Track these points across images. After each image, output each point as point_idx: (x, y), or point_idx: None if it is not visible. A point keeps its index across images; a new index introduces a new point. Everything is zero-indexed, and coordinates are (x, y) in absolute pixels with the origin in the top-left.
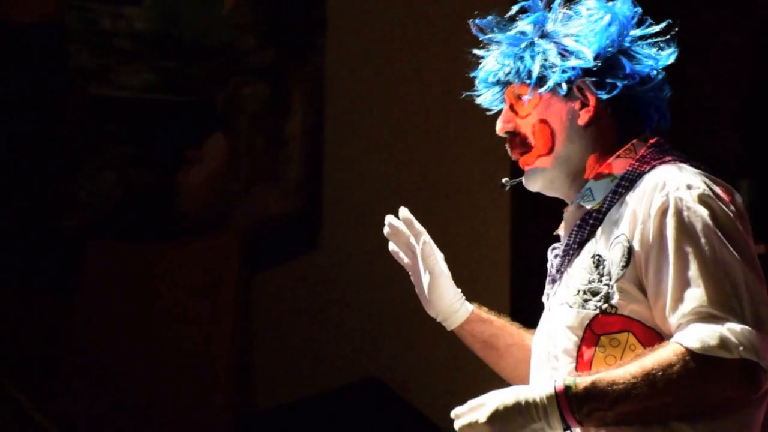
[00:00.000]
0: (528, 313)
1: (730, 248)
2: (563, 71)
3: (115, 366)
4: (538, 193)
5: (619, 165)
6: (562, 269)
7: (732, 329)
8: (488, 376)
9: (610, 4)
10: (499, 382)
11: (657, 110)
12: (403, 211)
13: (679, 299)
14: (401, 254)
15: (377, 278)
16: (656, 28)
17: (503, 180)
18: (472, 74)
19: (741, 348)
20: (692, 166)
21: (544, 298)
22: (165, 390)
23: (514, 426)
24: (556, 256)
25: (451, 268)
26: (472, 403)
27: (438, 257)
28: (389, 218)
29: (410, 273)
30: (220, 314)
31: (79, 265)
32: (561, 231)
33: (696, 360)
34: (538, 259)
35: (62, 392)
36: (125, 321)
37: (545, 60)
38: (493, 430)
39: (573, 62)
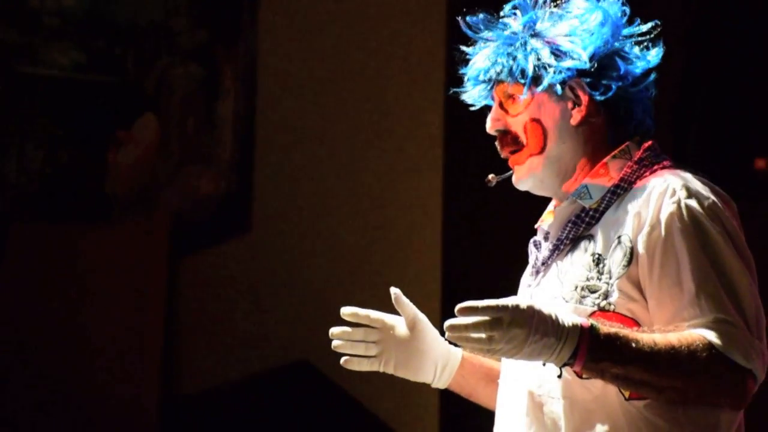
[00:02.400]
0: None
1: (738, 259)
2: (559, 71)
3: (40, 350)
4: (467, 164)
5: (615, 166)
6: (550, 262)
7: (749, 340)
8: None
9: (601, 3)
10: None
11: (644, 110)
12: (347, 310)
13: (697, 305)
14: (362, 350)
15: (309, 260)
16: (644, 27)
17: (489, 176)
18: (461, 71)
19: (755, 361)
20: (690, 172)
21: (522, 288)
22: (90, 375)
23: (536, 330)
24: (537, 247)
25: (383, 255)
26: (510, 301)
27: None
28: (334, 330)
29: (381, 361)
30: (150, 297)
31: (4, 246)
32: (543, 225)
33: (717, 355)
34: (472, 236)
35: None
36: (51, 304)
37: (539, 60)
38: (524, 331)
39: (568, 63)
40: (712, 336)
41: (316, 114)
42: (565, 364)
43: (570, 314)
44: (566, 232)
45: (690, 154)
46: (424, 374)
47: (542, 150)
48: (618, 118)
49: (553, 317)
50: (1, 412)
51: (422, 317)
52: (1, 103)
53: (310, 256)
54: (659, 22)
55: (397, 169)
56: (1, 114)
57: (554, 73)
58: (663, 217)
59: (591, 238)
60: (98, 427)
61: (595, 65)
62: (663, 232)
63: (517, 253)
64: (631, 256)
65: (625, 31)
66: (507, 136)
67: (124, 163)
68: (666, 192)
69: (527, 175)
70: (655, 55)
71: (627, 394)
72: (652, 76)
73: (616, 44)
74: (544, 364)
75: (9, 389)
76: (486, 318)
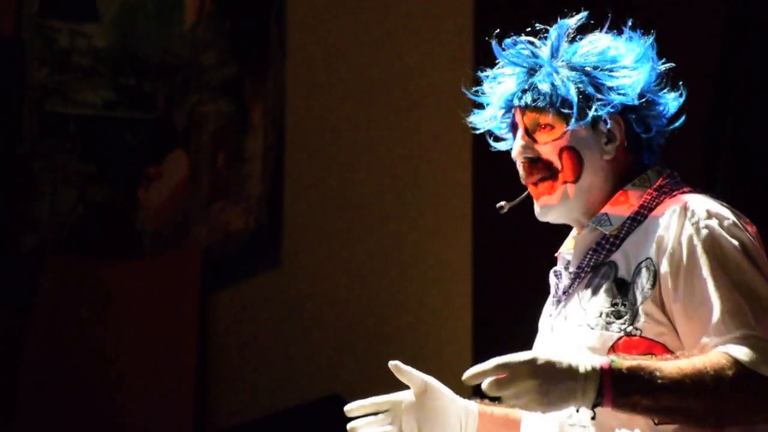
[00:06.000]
0: (491, 327)
1: (760, 276)
2: (606, 105)
3: (73, 385)
4: (496, 193)
5: (635, 194)
6: (571, 291)
7: None
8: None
9: (635, 40)
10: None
11: (659, 144)
12: (351, 407)
13: (722, 323)
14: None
15: (338, 295)
16: (665, 67)
17: (500, 203)
18: (482, 95)
19: None
20: (709, 196)
21: (544, 319)
22: (125, 409)
23: (555, 381)
24: (558, 276)
25: (412, 290)
26: (517, 356)
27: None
28: (350, 425)
29: None
30: (181, 332)
31: (38, 282)
32: (565, 253)
33: (745, 372)
34: (501, 272)
35: (20, 411)
36: (84, 339)
37: (582, 91)
38: (536, 382)
39: (616, 97)
40: (737, 352)
41: (345, 148)
42: (595, 405)
43: (585, 356)
44: (587, 259)
45: (721, 181)
46: (451, 430)
47: (577, 178)
48: (641, 153)
49: (571, 364)
50: None
51: (430, 379)
52: (33, 142)
53: (340, 290)
54: (674, 65)
55: (427, 200)
56: (33, 153)
57: (602, 106)
58: (684, 239)
59: (612, 264)
60: None
61: (644, 102)
62: (685, 254)
63: (547, 271)
64: (655, 279)
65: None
66: (538, 163)
67: (154, 200)
68: (686, 214)
69: (558, 202)
70: (676, 96)
71: (657, 419)
72: (683, 117)
73: (654, 84)
74: (577, 410)
75: (42, 425)
76: (493, 378)
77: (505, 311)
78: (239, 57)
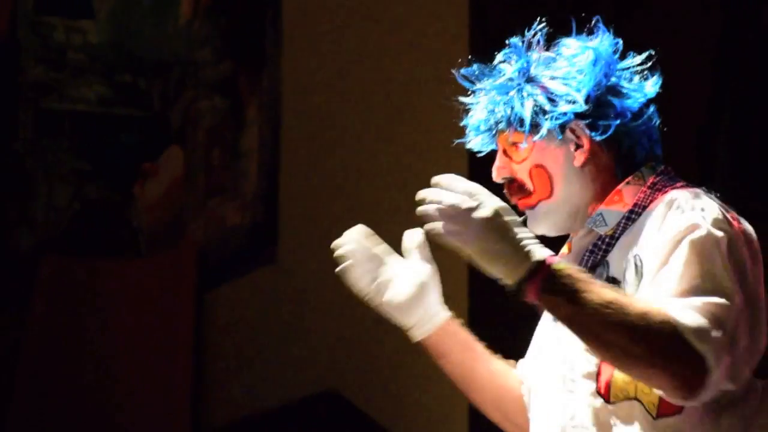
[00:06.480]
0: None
1: (731, 272)
2: (555, 117)
3: (70, 383)
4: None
5: (629, 192)
6: None
7: (714, 331)
8: (451, 389)
9: (590, 42)
10: (461, 398)
11: (650, 139)
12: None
13: (675, 290)
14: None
15: (334, 291)
16: (638, 60)
17: None
18: (462, 123)
19: (711, 349)
20: (702, 191)
21: (544, 321)
22: (121, 406)
23: (497, 231)
24: None
25: None
26: (488, 196)
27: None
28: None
29: (377, 279)
30: (177, 328)
31: (34, 280)
32: (565, 257)
33: (671, 327)
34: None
35: (16, 410)
36: (80, 337)
37: (535, 106)
38: (485, 232)
39: (565, 107)
40: (675, 312)
41: (341, 144)
42: (517, 286)
43: (540, 246)
44: (584, 261)
45: (717, 176)
46: (408, 312)
47: (551, 194)
48: (622, 152)
49: (519, 233)
50: None
51: (434, 268)
52: (28, 139)
53: (335, 286)
54: (653, 52)
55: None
56: (29, 150)
57: (551, 119)
58: (665, 228)
59: (607, 264)
60: None
61: (591, 107)
62: (663, 240)
63: None
64: (642, 273)
65: (620, 65)
66: (513, 183)
67: (150, 197)
68: (671, 205)
69: (541, 220)
70: (652, 85)
71: (655, 413)
72: (652, 108)
73: (612, 80)
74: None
75: (37, 422)
76: (459, 198)
77: (502, 304)
78: (235, 54)
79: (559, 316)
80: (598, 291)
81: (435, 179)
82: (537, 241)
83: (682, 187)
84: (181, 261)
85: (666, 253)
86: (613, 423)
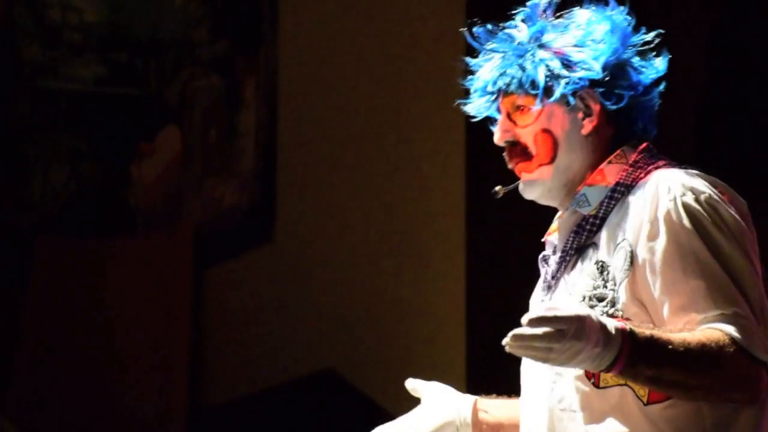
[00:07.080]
0: (485, 298)
1: (737, 247)
2: (571, 82)
3: (68, 362)
4: (490, 174)
5: (611, 171)
6: (558, 275)
7: (762, 332)
8: (447, 367)
9: (606, 12)
10: (458, 376)
11: (649, 118)
12: None
13: (708, 299)
14: None
15: (331, 270)
16: (649, 36)
17: (495, 188)
18: (465, 82)
19: (763, 351)
20: (685, 168)
21: (535, 304)
22: (117, 386)
23: (591, 342)
24: (546, 262)
25: (406, 264)
26: (570, 311)
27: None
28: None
29: None
30: (175, 308)
31: (31, 260)
32: (551, 237)
33: (740, 350)
34: (494, 245)
35: (14, 388)
36: (78, 317)
37: (550, 71)
38: (576, 343)
39: (581, 73)
40: (732, 330)
41: (338, 124)
42: (603, 370)
43: (609, 318)
44: (570, 242)
45: (714, 156)
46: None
47: (552, 160)
48: (624, 126)
49: (602, 325)
50: (28, 424)
51: (438, 389)
52: (24, 118)
53: (333, 265)
54: (663, 31)
55: (420, 179)
56: (25, 130)
57: (567, 83)
58: (660, 216)
59: (595, 246)
60: None
61: (608, 75)
62: (661, 231)
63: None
64: (632, 259)
65: (633, 40)
66: (516, 147)
67: (147, 176)
68: (662, 190)
69: (535, 184)
70: (661, 63)
71: (645, 399)
72: (662, 85)
73: (626, 54)
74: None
75: (35, 401)
76: (551, 330)
77: (499, 281)
78: (231, 32)
79: (641, 380)
80: (673, 343)
81: (527, 319)
82: (609, 325)
83: (665, 165)
84: (178, 240)
85: (670, 247)
86: (601, 408)
